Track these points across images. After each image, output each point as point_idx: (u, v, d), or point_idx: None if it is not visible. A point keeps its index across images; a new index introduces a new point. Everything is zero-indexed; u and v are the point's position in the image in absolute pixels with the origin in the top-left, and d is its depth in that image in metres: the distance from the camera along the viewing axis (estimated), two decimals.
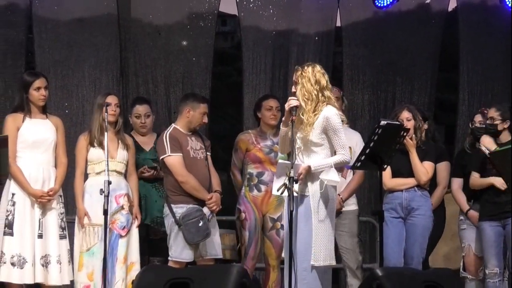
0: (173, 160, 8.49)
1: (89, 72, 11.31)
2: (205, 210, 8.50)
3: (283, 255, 8.01)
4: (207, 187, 8.59)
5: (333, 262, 7.64)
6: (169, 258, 8.47)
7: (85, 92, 11.22)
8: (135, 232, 8.70)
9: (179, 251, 8.43)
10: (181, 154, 8.53)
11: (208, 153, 8.75)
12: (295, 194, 7.37)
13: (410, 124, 8.66)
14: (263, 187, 8.91)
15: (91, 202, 8.53)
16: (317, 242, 7.51)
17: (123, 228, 8.60)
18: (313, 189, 7.53)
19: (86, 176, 8.69)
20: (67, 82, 11.25)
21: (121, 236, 8.59)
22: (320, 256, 7.48)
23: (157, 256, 9.15)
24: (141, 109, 9.31)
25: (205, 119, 8.71)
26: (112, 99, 8.68)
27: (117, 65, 11.36)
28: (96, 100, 8.75)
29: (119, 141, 8.71)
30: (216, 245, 8.63)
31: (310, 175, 7.51)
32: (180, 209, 8.44)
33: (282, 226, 8.68)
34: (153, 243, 9.21)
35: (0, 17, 11.10)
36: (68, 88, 11.25)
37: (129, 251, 8.62)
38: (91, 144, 8.62)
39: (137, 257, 8.67)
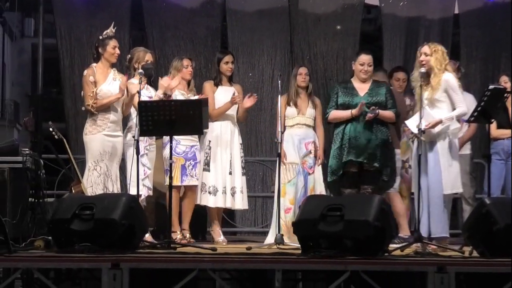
0: None
1: (267, 50, 11.33)
2: None
3: (412, 189, 7.88)
4: None
5: (460, 190, 7.78)
6: None
7: (264, 65, 11.25)
8: (318, 170, 8.67)
9: None
10: None
11: None
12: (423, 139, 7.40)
13: (508, 86, 8.48)
14: None
15: (287, 147, 8.53)
16: (445, 176, 7.56)
17: (311, 167, 8.62)
18: (442, 136, 7.59)
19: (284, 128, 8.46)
20: (251, 58, 11.31)
21: (309, 174, 8.60)
22: (448, 187, 7.57)
23: (369, 184, 8.18)
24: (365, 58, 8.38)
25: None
26: (303, 70, 8.68)
27: (287, 44, 11.33)
28: (292, 71, 8.77)
29: (309, 102, 8.68)
30: None
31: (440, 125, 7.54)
32: None
33: (409, 166, 8.55)
34: (366, 175, 8.23)
35: (202, 10, 11.26)
36: (251, 62, 11.31)
37: (316, 184, 8.63)
38: (288, 103, 8.61)
39: (322, 189, 8.61)
